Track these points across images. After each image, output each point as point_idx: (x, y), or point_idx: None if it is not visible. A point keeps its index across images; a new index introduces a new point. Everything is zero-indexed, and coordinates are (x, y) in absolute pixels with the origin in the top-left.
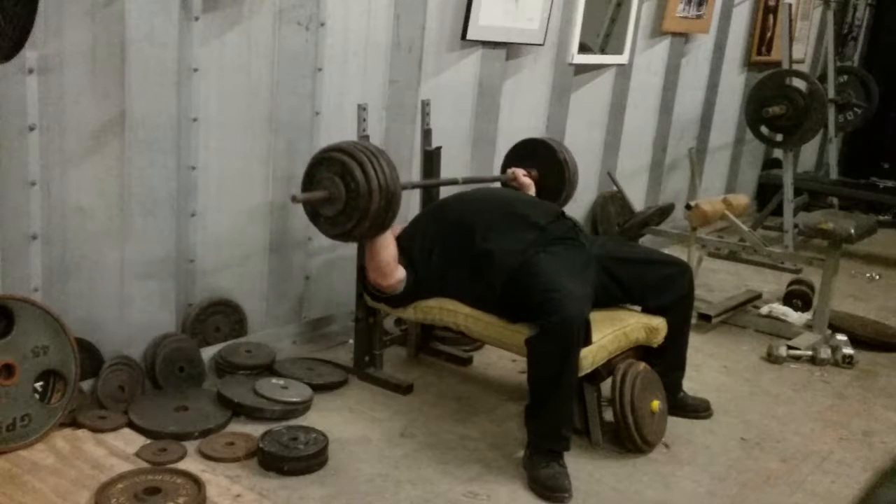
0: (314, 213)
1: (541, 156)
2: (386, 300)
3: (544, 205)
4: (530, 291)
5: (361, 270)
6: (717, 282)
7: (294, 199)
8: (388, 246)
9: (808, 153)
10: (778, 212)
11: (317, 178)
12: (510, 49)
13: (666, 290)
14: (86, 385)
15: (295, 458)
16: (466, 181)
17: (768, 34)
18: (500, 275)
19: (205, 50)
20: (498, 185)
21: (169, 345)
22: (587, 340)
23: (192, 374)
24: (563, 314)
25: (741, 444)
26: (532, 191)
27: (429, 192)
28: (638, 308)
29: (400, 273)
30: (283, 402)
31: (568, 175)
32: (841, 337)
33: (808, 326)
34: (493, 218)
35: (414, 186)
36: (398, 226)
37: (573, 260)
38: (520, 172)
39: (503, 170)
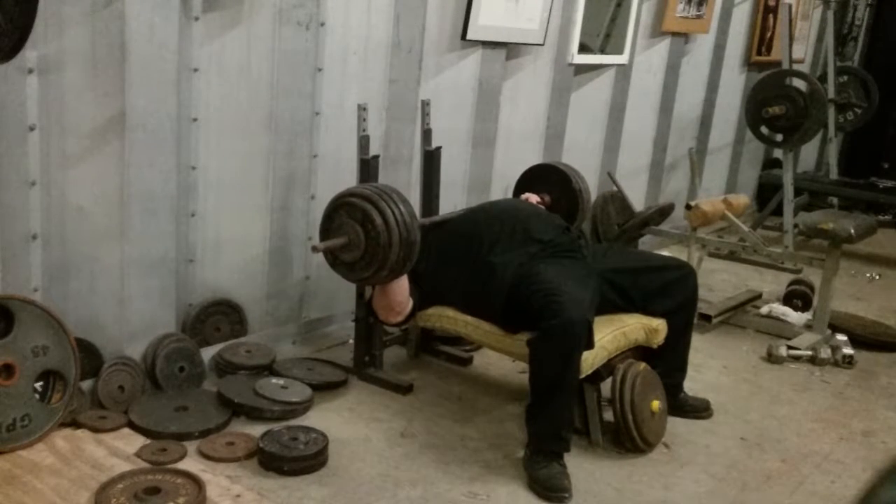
0: (333, 259)
1: (555, 183)
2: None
3: (549, 218)
4: (532, 297)
5: (360, 298)
6: (717, 282)
7: (315, 249)
8: (402, 285)
9: (808, 153)
10: (778, 212)
11: (336, 223)
12: (510, 49)
13: (669, 295)
14: (86, 385)
15: (295, 458)
16: None
17: (768, 34)
18: (500, 288)
19: (205, 50)
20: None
21: (169, 345)
22: (589, 344)
23: (192, 374)
24: (564, 317)
25: (741, 444)
26: None
27: (429, 190)
28: (640, 313)
29: (409, 307)
30: (283, 402)
31: (582, 205)
32: (841, 337)
33: (808, 326)
34: (497, 231)
35: (432, 223)
36: None
37: (573, 269)
38: (533, 199)
39: (515, 194)
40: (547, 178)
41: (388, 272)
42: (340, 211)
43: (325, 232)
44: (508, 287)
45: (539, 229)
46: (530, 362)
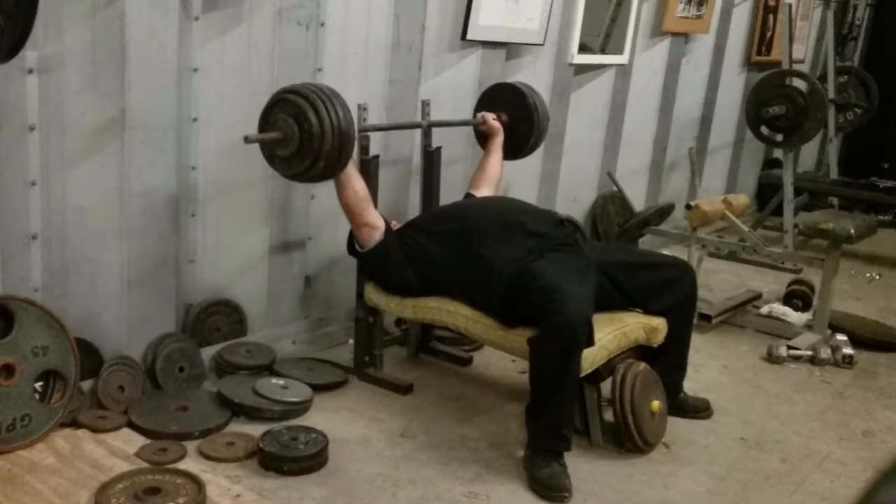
0: (270, 155)
1: (511, 100)
2: (365, 259)
3: (543, 212)
4: (531, 294)
5: (361, 298)
6: (717, 282)
7: (247, 140)
8: (353, 181)
9: (808, 153)
10: (778, 212)
11: (272, 120)
12: (510, 49)
13: (668, 292)
14: (86, 385)
15: (295, 458)
16: (431, 125)
17: (768, 34)
18: (499, 283)
19: (205, 50)
20: (496, 173)
21: (169, 345)
22: (589, 341)
23: (192, 374)
24: (565, 315)
25: (741, 444)
26: (501, 135)
27: (429, 190)
28: (639, 310)
29: (372, 217)
30: (283, 402)
31: (537, 120)
32: (841, 337)
33: (808, 326)
34: (492, 226)
35: (375, 129)
36: (397, 223)
37: (573, 264)
38: (489, 116)
39: (474, 114)
40: (503, 96)
41: (325, 164)
42: (275, 108)
43: (262, 130)
44: (507, 281)
45: (534, 223)
46: (530, 361)
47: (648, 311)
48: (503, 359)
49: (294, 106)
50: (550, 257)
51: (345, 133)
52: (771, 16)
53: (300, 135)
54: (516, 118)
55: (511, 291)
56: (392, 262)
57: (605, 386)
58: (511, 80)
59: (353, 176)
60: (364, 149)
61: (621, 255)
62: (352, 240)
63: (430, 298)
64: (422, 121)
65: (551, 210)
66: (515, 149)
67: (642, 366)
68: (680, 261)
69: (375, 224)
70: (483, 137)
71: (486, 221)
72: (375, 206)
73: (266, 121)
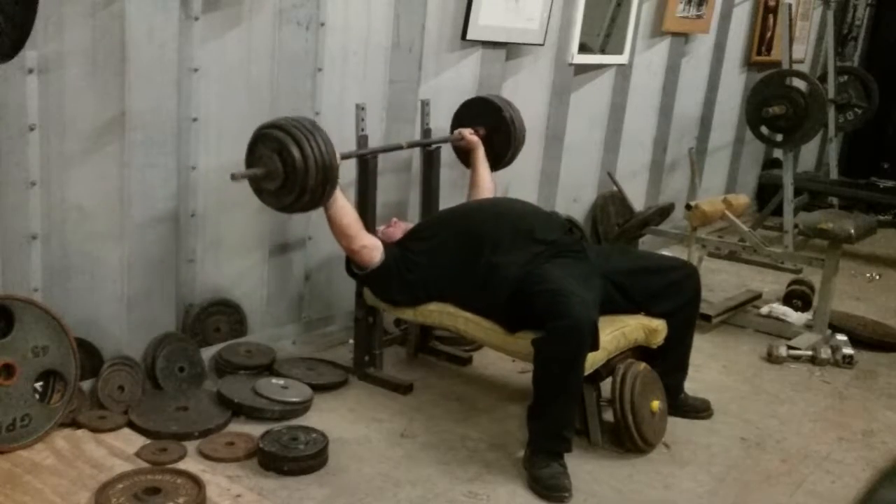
0: (258, 188)
1: (487, 115)
2: (368, 279)
3: (551, 218)
4: (537, 297)
5: (360, 297)
6: (717, 282)
7: (233, 177)
8: (341, 210)
9: (808, 153)
10: (778, 212)
11: (257, 154)
12: (510, 49)
13: (672, 295)
14: (86, 385)
15: (295, 458)
16: (411, 145)
17: (768, 34)
18: (504, 287)
19: (205, 50)
20: (488, 183)
21: (169, 345)
22: (594, 345)
23: (192, 374)
24: (571, 318)
25: (741, 444)
26: (481, 148)
27: (429, 191)
28: (643, 313)
29: (367, 239)
30: (283, 402)
31: (514, 133)
32: (841, 337)
33: (808, 326)
34: (501, 231)
35: (354, 156)
36: (402, 224)
37: (578, 270)
38: (466, 132)
39: (452, 130)
40: (479, 111)
41: (310, 198)
42: (259, 144)
43: (249, 164)
44: (512, 286)
45: (542, 229)
46: (535, 362)
47: (652, 314)
48: (503, 359)
49: (277, 141)
50: (556, 262)
51: (328, 167)
52: (771, 16)
53: (284, 169)
54: (492, 131)
55: (515, 295)
56: (394, 279)
57: (605, 386)
58: (510, 79)
59: (341, 206)
60: (362, 142)
61: (625, 261)
62: (349, 261)
63: (432, 303)
64: (402, 142)
65: (556, 213)
66: (493, 161)
67: (642, 366)
68: (684, 262)
69: (373, 245)
70: (464, 154)
71: (495, 227)
72: (374, 209)
73: (252, 155)
